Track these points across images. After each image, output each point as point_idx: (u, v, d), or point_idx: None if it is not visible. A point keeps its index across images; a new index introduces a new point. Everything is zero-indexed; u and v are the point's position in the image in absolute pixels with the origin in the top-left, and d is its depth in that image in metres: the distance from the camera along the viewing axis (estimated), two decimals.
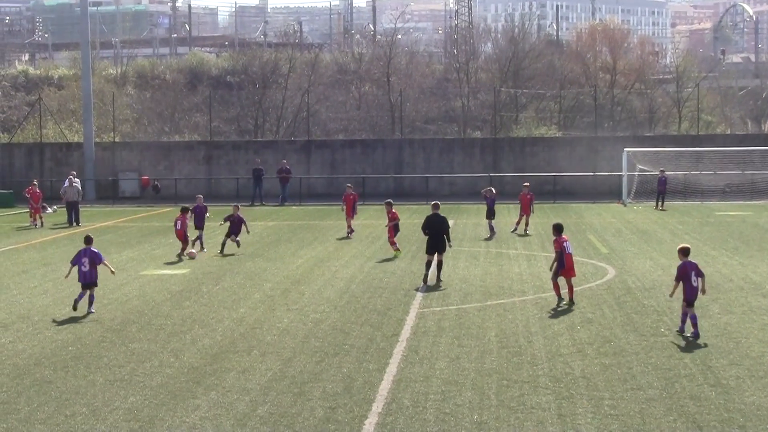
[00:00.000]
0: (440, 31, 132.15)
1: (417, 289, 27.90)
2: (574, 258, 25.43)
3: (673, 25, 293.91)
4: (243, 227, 37.09)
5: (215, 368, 19.11)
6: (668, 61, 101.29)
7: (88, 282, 25.04)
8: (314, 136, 71.77)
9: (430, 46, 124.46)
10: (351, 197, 42.46)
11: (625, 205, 57.36)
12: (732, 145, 63.39)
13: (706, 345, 20.45)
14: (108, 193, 65.92)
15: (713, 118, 77.97)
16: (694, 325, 21.24)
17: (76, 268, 25.20)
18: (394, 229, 35.51)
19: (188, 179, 66.98)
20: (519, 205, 43.43)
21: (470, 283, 29.10)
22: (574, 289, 25.47)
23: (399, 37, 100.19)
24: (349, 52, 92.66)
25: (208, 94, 74.54)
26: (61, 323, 23.69)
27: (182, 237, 35.96)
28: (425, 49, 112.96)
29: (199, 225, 37.93)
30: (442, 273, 29.32)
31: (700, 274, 21.54)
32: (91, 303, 25.01)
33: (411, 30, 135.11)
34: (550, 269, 25.66)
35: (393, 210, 35.76)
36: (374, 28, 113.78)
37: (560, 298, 25.11)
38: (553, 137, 70.85)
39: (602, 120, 74.08)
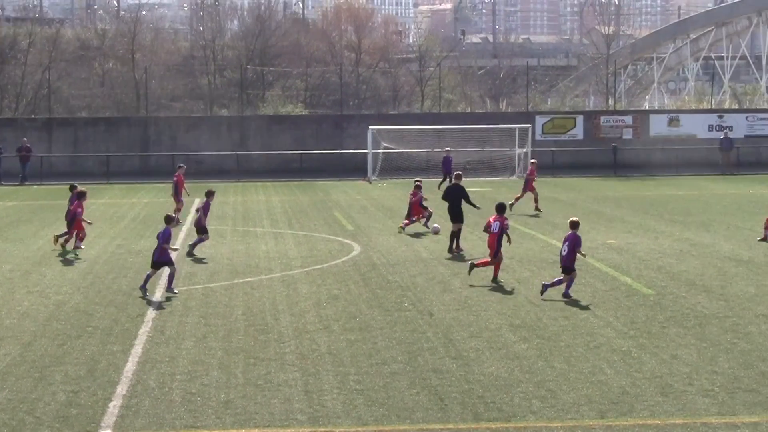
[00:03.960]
0: (186, 8, 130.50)
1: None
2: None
3: (416, 5, 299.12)
4: None
5: None
6: (411, 41, 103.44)
7: (155, 260, 24.37)
8: (56, 114, 69.60)
9: (176, 22, 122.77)
10: (183, 177, 40.96)
11: (370, 183, 58.31)
12: (472, 123, 65.14)
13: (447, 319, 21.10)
14: None
15: (454, 96, 80.00)
16: (556, 285, 23.23)
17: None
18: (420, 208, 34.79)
19: None
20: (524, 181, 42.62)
21: (217, 261, 28.97)
22: (499, 270, 25.54)
23: (144, 13, 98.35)
24: (92, 27, 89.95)
25: None
26: None
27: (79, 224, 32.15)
28: (171, 26, 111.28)
29: None
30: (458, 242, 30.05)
31: (576, 245, 23.11)
32: (170, 282, 24.29)
33: (156, 6, 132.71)
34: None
35: (418, 192, 34.90)
36: (118, 3, 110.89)
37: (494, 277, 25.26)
38: (299, 115, 71.18)
39: (348, 98, 74.97)
